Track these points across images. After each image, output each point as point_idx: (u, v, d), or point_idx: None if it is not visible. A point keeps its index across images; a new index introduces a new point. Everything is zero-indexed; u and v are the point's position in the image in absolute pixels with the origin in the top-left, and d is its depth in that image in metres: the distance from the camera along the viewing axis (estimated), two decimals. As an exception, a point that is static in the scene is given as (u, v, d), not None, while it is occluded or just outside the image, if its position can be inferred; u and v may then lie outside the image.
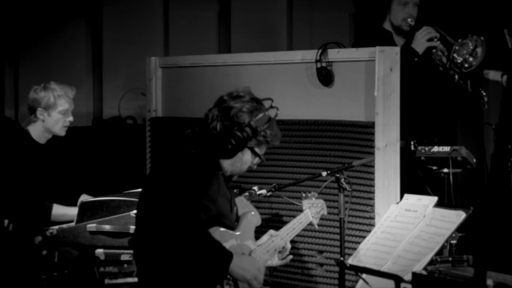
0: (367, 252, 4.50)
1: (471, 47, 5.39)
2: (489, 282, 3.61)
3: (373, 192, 4.89)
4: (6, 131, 5.29)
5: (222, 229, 3.99)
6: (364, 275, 4.32)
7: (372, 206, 4.89)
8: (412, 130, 5.32)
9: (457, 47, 5.37)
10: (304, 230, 4.83)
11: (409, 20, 5.53)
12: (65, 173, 5.49)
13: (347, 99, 5.07)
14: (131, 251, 4.58)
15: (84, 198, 5.34)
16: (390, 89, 4.88)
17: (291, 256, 4.36)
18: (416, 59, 5.40)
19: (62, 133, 5.34)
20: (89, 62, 8.04)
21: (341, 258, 4.51)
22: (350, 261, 4.50)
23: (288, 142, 5.24)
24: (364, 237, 4.69)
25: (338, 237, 4.70)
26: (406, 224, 4.49)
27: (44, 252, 4.81)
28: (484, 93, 5.37)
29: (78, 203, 4.99)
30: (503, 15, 6.63)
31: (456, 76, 5.40)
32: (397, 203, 4.69)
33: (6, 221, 5.01)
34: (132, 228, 4.71)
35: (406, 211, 4.56)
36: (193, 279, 3.86)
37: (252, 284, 3.95)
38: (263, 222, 4.27)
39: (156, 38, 8.05)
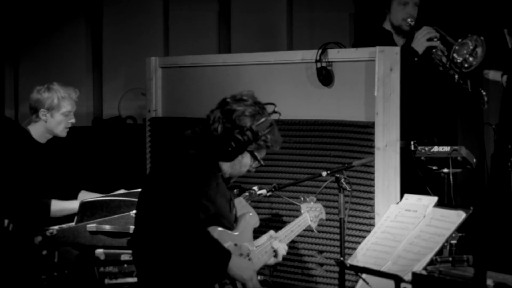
0: (367, 252, 4.50)
1: (471, 47, 5.39)
2: (489, 282, 3.61)
3: (373, 192, 4.89)
4: (6, 131, 5.29)
5: (220, 228, 3.99)
6: (364, 275, 4.33)
7: (372, 206, 4.89)
8: (412, 130, 5.32)
9: (457, 47, 5.37)
10: (304, 230, 4.83)
11: (409, 20, 5.53)
12: (65, 172, 5.50)
13: (347, 99, 5.06)
14: (131, 251, 4.58)
15: (84, 195, 5.34)
16: (390, 89, 4.88)
17: (284, 253, 4.34)
18: (416, 59, 5.40)
19: (63, 134, 5.36)
20: (89, 62, 8.04)
21: (341, 258, 4.51)
22: (350, 261, 4.50)
23: (288, 142, 5.24)
24: (364, 237, 4.69)
25: (338, 237, 4.70)
26: (406, 224, 4.49)
27: (44, 252, 4.81)
28: (484, 93, 5.37)
29: (78, 203, 4.99)
30: (503, 15, 6.62)
31: (456, 76, 5.40)
32: (397, 203, 4.69)
33: (6, 221, 5.01)
34: (132, 228, 4.71)
35: (406, 211, 4.56)
36: (192, 278, 3.86)
37: (248, 285, 3.95)
38: (263, 222, 4.27)
39: (156, 38, 8.05)
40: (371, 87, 4.90)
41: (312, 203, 4.63)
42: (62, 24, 7.88)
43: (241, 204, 4.24)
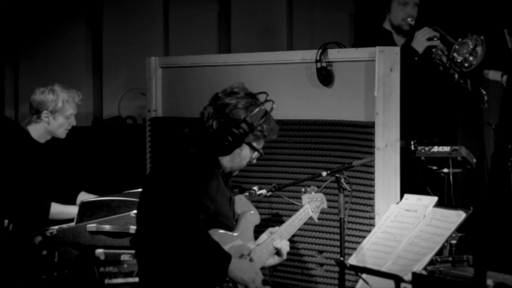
0: (367, 252, 4.50)
1: (471, 46, 5.39)
2: (489, 282, 3.60)
3: (373, 192, 4.89)
4: (6, 131, 5.29)
5: (221, 231, 3.99)
6: (364, 275, 4.32)
7: (372, 206, 4.89)
8: (412, 130, 5.32)
9: (457, 46, 5.37)
10: (304, 229, 4.83)
11: (409, 20, 5.53)
12: (64, 172, 5.50)
13: (347, 99, 5.06)
14: (131, 251, 4.58)
15: (83, 196, 5.35)
16: (390, 89, 4.88)
17: (288, 249, 4.32)
18: (416, 59, 5.40)
19: (63, 136, 5.37)
20: (89, 62, 8.04)
21: (341, 258, 4.51)
22: (350, 261, 4.50)
23: (288, 142, 5.24)
24: (364, 237, 4.69)
25: (338, 237, 4.70)
26: (406, 224, 4.49)
27: (44, 252, 4.81)
28: (484, 92, 5.38)
29: (78, 203, 4.99)
30: (503, 15, 6.63)
31: (456, 75, 5.40)
32: (397, 203, 4.69)
33: (6, 221, 5.01)
34: (132, 228, 4.72)
35: (406, 211, 4.56)
36: (193, 280, 3.85)
37: (250, 287, 3.95)
38: (263, 222, 4.26)
39: (156, 38, 8.05)
40: (371, 87, 4.90)
41: (313, 193, 4.61)
42: (62, 24, 7.88)
43: (241, 201, 4.23)
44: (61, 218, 5.11)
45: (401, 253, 4.34)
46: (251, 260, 4.09)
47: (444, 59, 5.45)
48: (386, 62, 4.87)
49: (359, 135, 4.95)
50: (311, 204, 4.57)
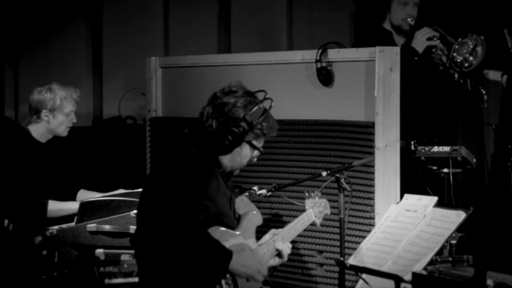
0: (367, 252, 4.50)
1: (471, 46, 5.39)
2: (489, 282, 3.60)
3: (373, 192, 4.89)
4: (6, 131, 5.30)
5: (222, 228, 3.99)
6: (364, 275, 4.32)
7: (372, 206, 4.89)
8: (412, 130, 5.32)
9: (457, 46, 5.37)
10: (304, 230, 4.82)
11: (409, 20, 5.53)
12: (65, 172, 5.50)
13: (347, 99, 5.06)
14: (131, 251, 4.58)
15: (83, 194, 5.35)
16: (390, 89, 4.88)
17: (289, 251, 4.32)
18: (416, 58, 5.40)
19: (65, 134, 5.37)
20: (89, 62, 8.04)
21: (341, 258, 4.51)
22: (350, 261, 4.50)
23: (288, 142, 5.24)
24: (364, 237, 4.69)
25: (338, 237, 4.70)
26: (406, 224, 4.49)
27: (44, 252, 4.81)
28: (484, 92, 5.38)
29: (79, 202, 4.99)
30: (503, 15, 6.63)
31: (456, 75, 5.40)
32: (397, 203, 4.69)
33: (6, 221, 5.01)
34: (132, 228, 4.72)
35: (406, 211, 4.56)
36: (193, 278, 3.85)
37: (256, 278, 3.94)
38: (263, 222, 4.26)
39: (156, 38, 8.05)
40: (371, 87, 4.90)
41: (317, 198, 4.61)
42: (62, 24, 7.88)
43: (243, 202, 4.23)
44: (60, 215, 5.11)
45: (401, 253, 4.34)
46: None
47: (444, 59, 5.45)
48: (386, 62, 4.87)
49: (359, 135, 4.95)
50: (314, 209, 4.57)
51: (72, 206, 5.06)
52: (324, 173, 4.72)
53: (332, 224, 4.99)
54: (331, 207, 4.77)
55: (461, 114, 7.29)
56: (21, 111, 7.58)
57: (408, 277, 4.01)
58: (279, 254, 4.25)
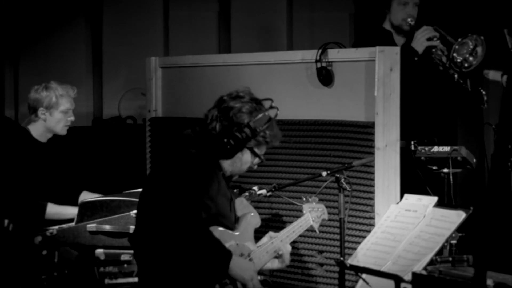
0: (367, 252, 4.50)
1: (471, 47, 5.39)
2: (489, 282, 3.60)
3: (373, 192, 4.89)
4: (6, 131, 5.30)
5: (221, 228, 3.99)
6: (364, 275, 4.32)
7: (372, 206, 4.89)
8: (412, 130, 5.32)
9: (457, 47, 5.37)
10: (305, 230, 4.82)
11: (409, 20, 5.53)
12: (65, 171, 5.50)
13: (347, 99, 5.06)
14: (131, 251, 4.58)
15: (85, 195, 5.34)
16: (390, 89, 4.88)
17: (289, 258, 4.33)
18: (416, 59, 5.40)
19: (63, 132, 5.36)
20: (89, 62, 8.04)
21: (341, 258, 4.51)
22: (350, 261, 4.50)
23: (288, 142, 5.24)
24: (364, 237, 4.69)
25: (338, 237, 4.70)
26: (406, 224, 4.48)
27: (44, 252, 4.81)
28: (483, 92, 5.38)
29: (79, 203, 5.00)
30: (503, 15, 6.63)
31: (456, 76, 5.40)
32: (397, 203, 4.69)
33: (6, 221, 5.01)
34: (132, 228, 4.71)
35: (406, 211, 4.56)
36: (193, 277, 3.86)
37: (248, 285, 3.95)
38: (263, 222, 4.26)
39: (156, 38, 8.05)
40: (371, 87, 4.90)
41: (314, 203, 4.62)
42: (62, 24, 7.88)
43: (242, 204, 4.23)
44: (57, 218, 5.11)
45: (401, 253, 4.34)
46: (250, 260, 4.09)
47: (444, 59, 5.45)
48: (386, 62, 4.87)
49: (359, 135, 4.95)
50: (312, 213, 4.58)
51: (71, 211, 5.06)
52: (324, 173, 4.72)
53: (332, 224, 4.98)
54: (331, 207, 4.78)
55: (461, 114, 7.29)
56: (21, 111, 7.58)
57: (408, 277, 4.01)
58: (277, 256, 4.25)
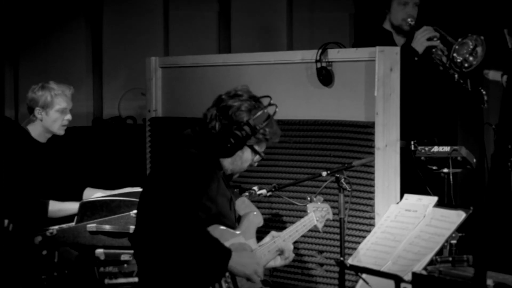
0: (367, 252, 4.50)
1: (471, 47, 5.39)
2: (489, 282, 3.61)
3: (373, 192, 4.89)
4: (6, 131, 5.30)
5: (222, 227, 3.99)
6: (364, 275, 4.32)
7: (372, 206, 4.89)
8: (412, 130, 5.32)
9: (457, 47, 5.37)
10: (308, 230, 4.82)
11: (409, 20, 5.53)
12: (65, 172, 5.50)
13: (347, 99, 5.06)
14: (131, 251, 4.58)
15: (89, 192, 5.34)
16: (390, 89, 4.88)
17: (293, 255, 4.34)
18: (416, 59, 5.40)
19: (61, 132, 5.35)
20: (89, 62, 8.04)
21: (341, 258, 4.51)
22: (350, 261, 4.50)
23: (288, 142, 5.24)
24: (364, 237, 4.69)
25: (338, 237, 4.70)
26: (406, 224, 4.48)
27: (44, 252, 4.81)
28: (484, 92, 5.38)
29: (76, 204, 4.99)
30: (503, 15, 6.63)
31: (456, 76, 5.40)
32: (397, 203, 4.69)
33: (6, 221, 5.01)
34: (132, 228, 4.71)
35: (406, 211, 4.56)
36: (192, 277, 3.86)
37: (253, 279, 3.96)
38: (263, 222, 4.26)
39: (156, 38, 8.05)
40: (371, 87, 4.90)
41: (319, 203, 4.62)
42: (62, 24, 7.88)
43: (244, 203, 4.23)
44: (61, 215, 5.11)
45: (401, 253, 4.34)
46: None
47: (444, 59, 5.45)
48: (386, 62, 4.87)
49: (359, 135, 4.95)
50: (316, 213, 4.57)
51: (72, 206, 5.06)
52: (324, 173, 4.72)
53: (332, 224, 4.98)
54: (331, 207, 4.78)
55: (461, 114, 7.29)
56: (21, 111, 7.58)
57: (408, 277, 4.01)
58: (280, 254, 4.26)
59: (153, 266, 3.91)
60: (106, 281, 4.75)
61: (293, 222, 4.53)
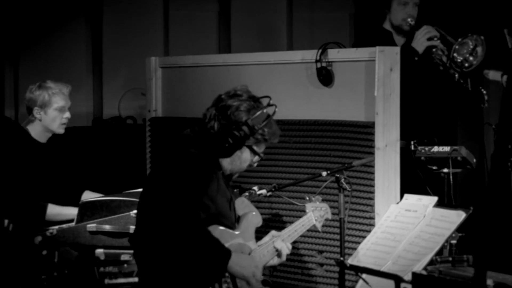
0: (367, 252, 4.50)
1: (471, 46, 5.39)
2: (489, 282, 3.61)
3: (373, 192, 4.89)
4: (6, 131, 5.29)
5: (221, 227, 3.99)
6: (364, 275, 4.32)
7: (372, 206, 4.89)
8: (412, 130, 5.32)
9: (457, 46, 5.37)
10: (307, 230, 4.82)
11: (409, 20, 5.53)
12: (66, 171, 5.49)
13: (347, 99, 5.07)
14: (131, 251, 4.58)
15: (88, 195, 5.34)
16: (390, 89, 4.88)
17: (288, 252, 4.32)
18: (416, 59, 5.40)
19: (60, 130, 5.34)
20: (89, 62, 8.04)
21: (341, 258, 4.51)
22: (350, 261, 4.50)
23: (288, 142, 5.24)
24: (364, 237, 4.68)
25: (338, 237, 4.70)
26: (406, 224, 4.48)
27: (44, 252, 4.81)
28: (484, 92, 5.38)
29: (75, 210, 4.99)
30: (503, 15, 6.63)
31: (456, 75, 5.40)
32: (397, 203, 4.69)
33: (6, 221, 5.01)
34: (132, 228, 4.71)
35: (406, 211, 4.56)
36: (192, 276, 3.86)
37: (251, 282, 3.96)
38: (263, 222, 4.26)
39: (156, 38, 8.05)
40: (371, 87, 4.90)
41: (318, 202, 4.61)
42: (62, 24, 7.88)
43: (244, 203, 4.23)
44: (59, 219, 5.10)
45: (401, 253, 4.34)
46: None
47: (444, 59, 5.45)
48: (386, 62, 4.87)
49: (359, 135, 4.95)
50: (315, 213, 4.57)
51: (71, 212, 5.05)
52: (324, 173, 4.72)
53: (332, 224, 4.98)
54: (331, 207, 4.78)
55: (461, 114, 7.29)
56: (21, 111, 7.58)
57: (408, 277, 4.01)
58: (278, 254, 4.25)
59: (153, 266, 3.91)
60: (106, 281, 4.75)
61: (293, 222, 4.53)
